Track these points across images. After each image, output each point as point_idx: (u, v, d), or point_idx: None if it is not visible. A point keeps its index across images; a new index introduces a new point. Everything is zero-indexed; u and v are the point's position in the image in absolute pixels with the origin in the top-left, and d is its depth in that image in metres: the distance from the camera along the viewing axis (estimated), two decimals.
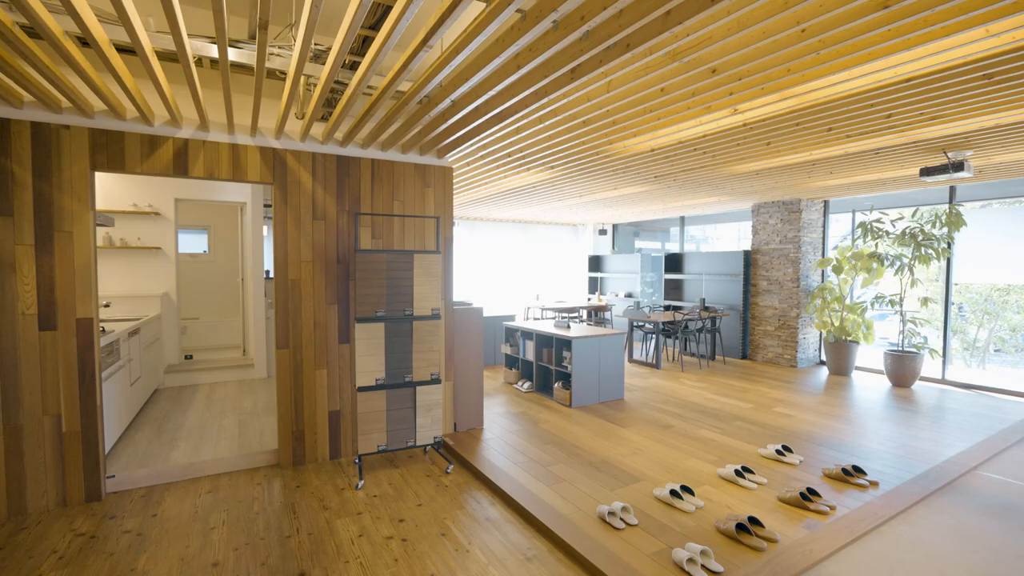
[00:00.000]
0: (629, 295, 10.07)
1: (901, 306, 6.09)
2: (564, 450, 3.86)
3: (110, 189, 5.58)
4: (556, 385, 5.26)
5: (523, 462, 3.61)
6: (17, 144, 2.91)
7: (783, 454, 3.63)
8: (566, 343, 5.26)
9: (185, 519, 2.91)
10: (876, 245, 6.26)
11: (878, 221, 6.24)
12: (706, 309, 7.58)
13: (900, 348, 6.10)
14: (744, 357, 7.69)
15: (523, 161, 4.76)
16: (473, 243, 10.06)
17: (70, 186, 3.02)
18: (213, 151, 3.35)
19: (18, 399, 2.95)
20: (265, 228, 6.61)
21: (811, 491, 2.97)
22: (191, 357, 6.32)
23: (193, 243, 7.67)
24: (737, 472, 3.29)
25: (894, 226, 6.17)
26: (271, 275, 7.83)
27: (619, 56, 2.23)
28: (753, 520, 2.64)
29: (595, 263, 11.01)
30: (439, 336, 3.65)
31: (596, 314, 9.52)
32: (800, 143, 3.96)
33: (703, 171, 5.14)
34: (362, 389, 3.44)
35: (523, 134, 3.81)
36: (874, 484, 3.18)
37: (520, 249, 10.69)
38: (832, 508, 2.86)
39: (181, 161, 3.27)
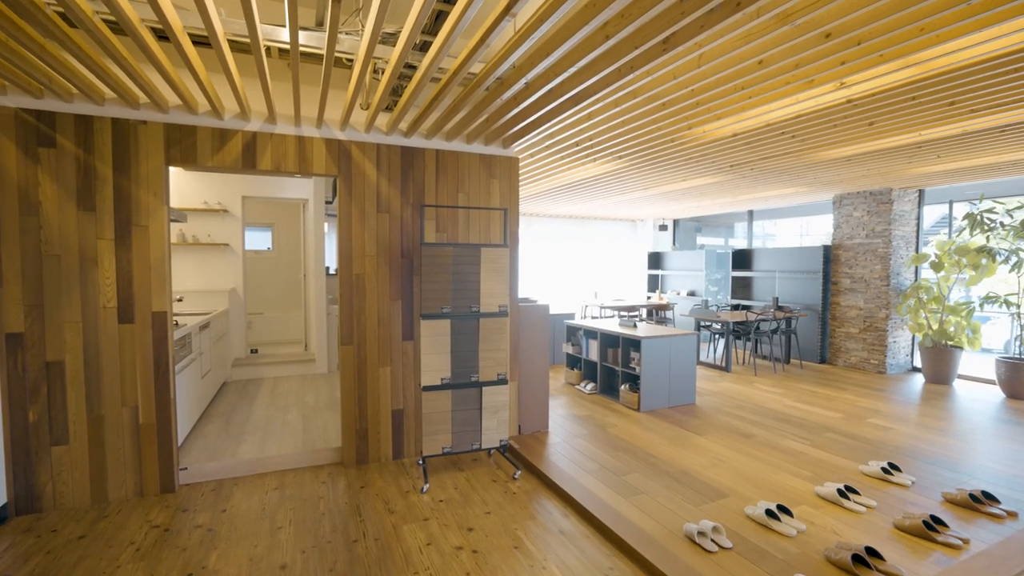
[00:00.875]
0: (692, 293, 9.59)
1: (1020, 307, 5.40)
2: (637, 458, 3.59)
3: (183, 187, 5.76)
4: (623, 388, 4.98)
5: (595, 470, 3.37)
6: (99, 140, 2.95)
7: (890, 473, 3.22)
8: (634, 343, 4.97)
9: (253, 516, 2.87)
10: (988, 238, 5.58)
11: (990, 211, 5.56)
12: (780, 308, 7.05)
13: (1019, 355, 5.41)
14: (823, 361, 7.11)
15: (590, 151, 4.51)
16: (529, 239, 9.87)
17: (147, 181, 3.04)
18: (280, 144, 3.30)
19: (100, 390, 3.00)
20: (326, 225, 6.69)
21: (935, 519, 2.58)
22: (256, 351, 6.46)
23: (258, 240, 7.88)
24: (840, 492, 2.93)
25: (1011, 216, 5.47)
26: (331, 271, 7.93)
27: (723, 19, 1.95)
28: (871, 551, 2.30)
29: (655, 260, 10.58)
30: (506, 335, 3.48)
31: (656, 313, 9.12)
32: (911, 121, 3.51)
33: (786, 158, 4.71)
34: (427, 388, 3.31)
35: (594, 120, 3.57)
36: (1012, 515, 2.74)
37: (576, 245, 10.40)
38: (965, 542, 2.47)
39: (249, 154, 3.24)
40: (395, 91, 3.34)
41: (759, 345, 7.56)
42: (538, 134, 3.96)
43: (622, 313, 8.89)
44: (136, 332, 3.05)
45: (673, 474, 3.33)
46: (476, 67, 2.95)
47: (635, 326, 5.35)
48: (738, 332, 6.76)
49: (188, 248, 5.80)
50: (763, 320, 6.54)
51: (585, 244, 10.51)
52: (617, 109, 3.33)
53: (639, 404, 4.77)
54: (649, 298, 10.48)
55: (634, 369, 4.92)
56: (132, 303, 3.04)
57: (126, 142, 3.00)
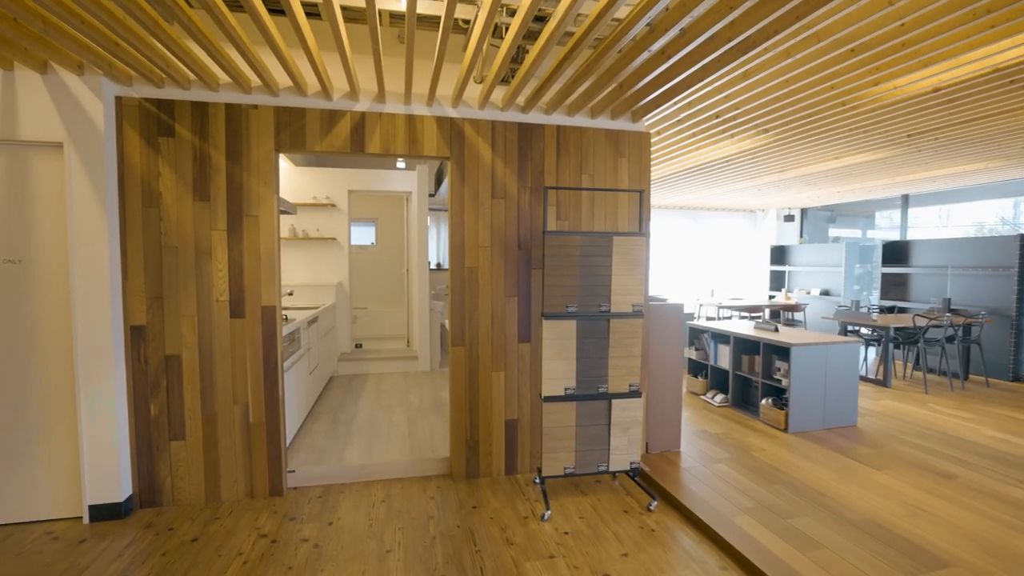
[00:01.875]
0: (826, 292, 8.36)
1: None
2: (802, 495, 2.90)
3: (293, 181, 5.83)
4: (764, 402, 4.23)
5: (751, 508, 2.75)
6: (213, 127, 2.83)
7: None
8: (779, 351, 4.20)
9: (360, 534, 2.60)
10: None
11: None
12: (954, 312, 5.81)
13: None
14: (1016, 379, 5.75)
15: (731, 125, 3.82)
16: None
17: (257, 168, 2.89)
18: (389, 124, 3.02)
19: (213, 387, 2.90)
20: (429, 219, 6.55)
21: None
22: (361, 346, 6.45)
23: (362, 235, 7.95)
24: None
25: None
26: (433, 266, 7.81)
27: None
28: None
29: (779, 254, 9.41)
30: (639, 339, 2.94)
31: (784, 315, 8.04)
32: None
33: (1001, 119, 3.70)
34: (548, 399, 2.87)
35: (749, 81, 2.93)
36: None
37: (688, 239, 9.52)
38: None
39: (358, 136, 2.99)
40: (515, 58, 2.93)
41: (925, 356, 6.32)
42: (674, 104, 3.38)
43: (743, 314, 7.94)
44: (246, 327, 2.92)
45: (859, 524, 2.61)
46: (621, 11, 2.45)
47: (776, 329, 4.56)
48: (898, 340, 5.65)
49: (298, 243, 5.87)
50: (935, 325, 5.39)
51: (697, 238, 9.59)
52: (787, 62, 2.67)
53: (786, 423, 4.01)
54: (772, 297, 9.34)
55: (779, 382, 4.15)
56: (243, 297, 2.90)
57: (238, 128, 2.85)
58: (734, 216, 9.83)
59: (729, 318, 8.65)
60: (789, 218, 9.33)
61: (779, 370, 4.18)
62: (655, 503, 2.88)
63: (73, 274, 2.64)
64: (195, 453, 2.91)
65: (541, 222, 3.23)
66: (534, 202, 3.22)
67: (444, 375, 5.77)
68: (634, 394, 2.96)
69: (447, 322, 4.17)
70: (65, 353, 2.69)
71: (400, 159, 5.95)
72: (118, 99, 2.73)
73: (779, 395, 4.27)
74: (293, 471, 3.13)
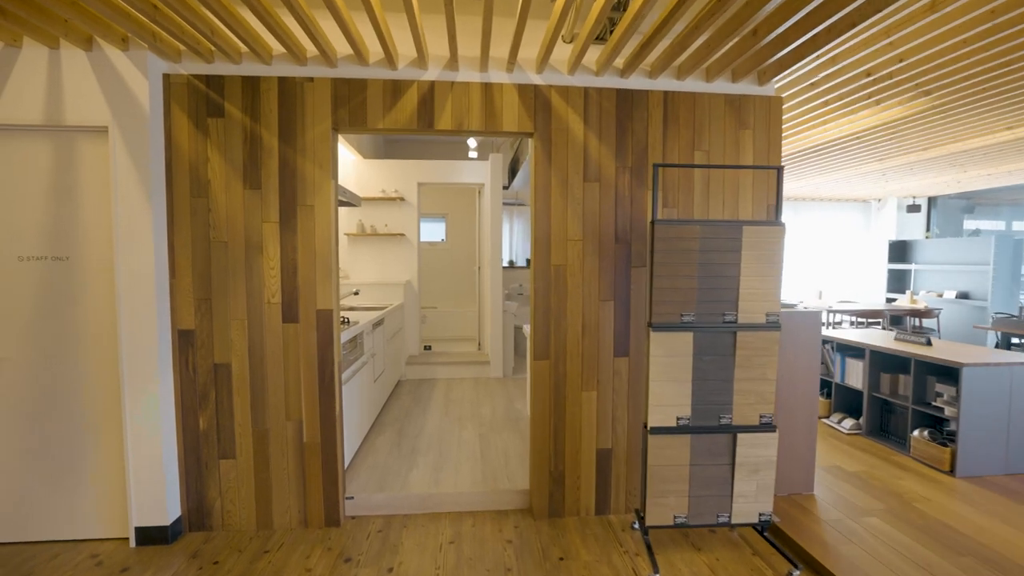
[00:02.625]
0: (964, 295, 7.07)
1: None
2: None
3: (362, 173, 5.56)
4: (916, 434, 3.38)
5: None
6: (265, 105, 2.48)
7: None
8: (940, 370, 3.34)
9: None
10: None
11: None
12: None
13: None
14: None
15: (887, 85, 3.03)
16: None
17: (312, 150, 2.51)
18: (462, 95, 2.54)
19: (264, 400, 2.56)
20: (502, 213, 6.07)
21: None
22: (430, 348, 6.10)
23: (432, 231, 7.64)
24: None
25: None
26: (507, 264, 7.35)
27: None
28: None
29: (899, 251, 8.14)
30: (774, 357, 2.28)
31: (908, 321, 6.86)
32: None
33: None
34: (656, 431, 2.28)
35: (922, 23, 2.17)
36: None
37: (789, 234, 8.45)
38: None
39: (426, 111, 2.53)
40: (615, 6, 2.35)
41: None
42: (816, 58, 2.66)
43: (859, 319, 6.85)
44: (300, 333, 2.55)
45: None
46: None
47: (928, 342, 3.66)
48: None
49: (366, 238, 5.60)
50: None
51: (800, 232, 8.50)
52: (984, 9, 1.91)
53: (953, 464, 3.15)
54: (893, 300, 8.09)
55: (940, 410, 3.29)
56: (296, 298, 2.54)
57: (292, 105, 2.49)
58: (843, 207, 8.63)
59: (840, 324, 7.55)
60: (913, 208, 8.03)
61: (940, 395, 3.31)
62: (798, 573, 2.21)
63: (118, 272, 2.37)
64: (245, 474, 2.58)
65: (644, 210, 2.64)
66: (635, 186, 2.63)
67: (518, 383, 5.28)
68: (767, 427, 2.30)
69: (527, 328, 3.67)
70: (113, 359, 2.44)
71: (473, 146, 5.53)
72: (165, 77, 2.44)
73: (939, 426, 3.40)
74: (351, 498, 2.75)
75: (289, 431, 2.58)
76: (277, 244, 2.52)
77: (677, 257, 2.23)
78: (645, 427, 2.32)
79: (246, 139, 2.48)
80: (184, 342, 2.53)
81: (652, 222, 2.23)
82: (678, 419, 2.28)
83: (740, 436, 2.29)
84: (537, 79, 2.57)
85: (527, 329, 3.66)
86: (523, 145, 5.15)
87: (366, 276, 5.62)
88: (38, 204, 2.38)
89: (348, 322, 3.31)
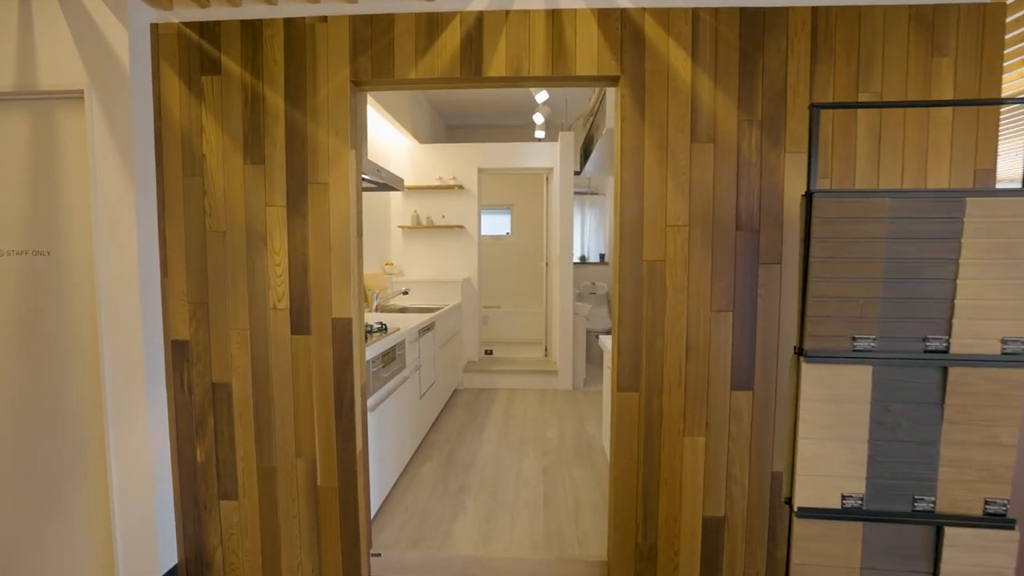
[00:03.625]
0: None
1: None
2: None
3: (416, 156, 5.05)
4: None
5: None
6: (269, 56, 1.94)
7: None
8: None
9: None
10: None
11: None
12: None
13: None
14: None
15: None
16: None
17: (326, 112, 1.93)
18: (519, 29, 1.87)
19: (270, 430, 2.04)
20: (573, 202, 5.29)
21: None
22: (491, 352, 5.51)
23: (495, 224, 7.05)
24: None
25: None
26: (578, 259, 6.63)
27: None
28: None
29: None
30: (1015, 410, 1.42)
31: None
32: None
33: None
34: (808, 513, 1.50)
35: None
36: None
37: None
38: None
39: (472, 53, 1.88)
40: None
41: None
42: None
43: None
44: (312, 348, 1.99)
45: None
46: None
47: None
48: None
49: (421, 232, 5.08)
50: None
51: None
52: None
53: None
54: None
55: None
56: (307, 303, 1.98)
57: (301, 54, 1.92)
58: None
59: None
60: None
61: None
62: None
63: (99, 271, 1.92)
64: (250, 519, 2.08)
65: (780, 181, 1.83)
66: (767, 147, 1.83)
67: (590, 398, 4.55)
68: (999, 521, 1.44)
69: (604, 340, 2.95)
70: (97, 374, 2.01)
71: (539, 123, 4.84)
72: (153, 28, 1.96)
73: None
74: (378, 555, 2.17)
75: (300, 471, 2.04)
76: (284, 234, 1.97)
77: (848, 249, 1.42)
78: (789, 505, 1.54)
79: (247, 101, 1.95)
80: (178, 355, 2.05)
81: (808, 194, 1.44)
82: (844, 498, 1.48)
83: (950, 532, 1.45)
84: (625, 0, 1.83)
85: (605, 341, 2.93)
86: (599, 120, 4.39)
87: (420, 272, 5.11)
88: (15, 188, 1.98)
89: (384, 329, 2.74)
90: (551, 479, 2.87)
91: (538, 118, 4.74)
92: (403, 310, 4.28)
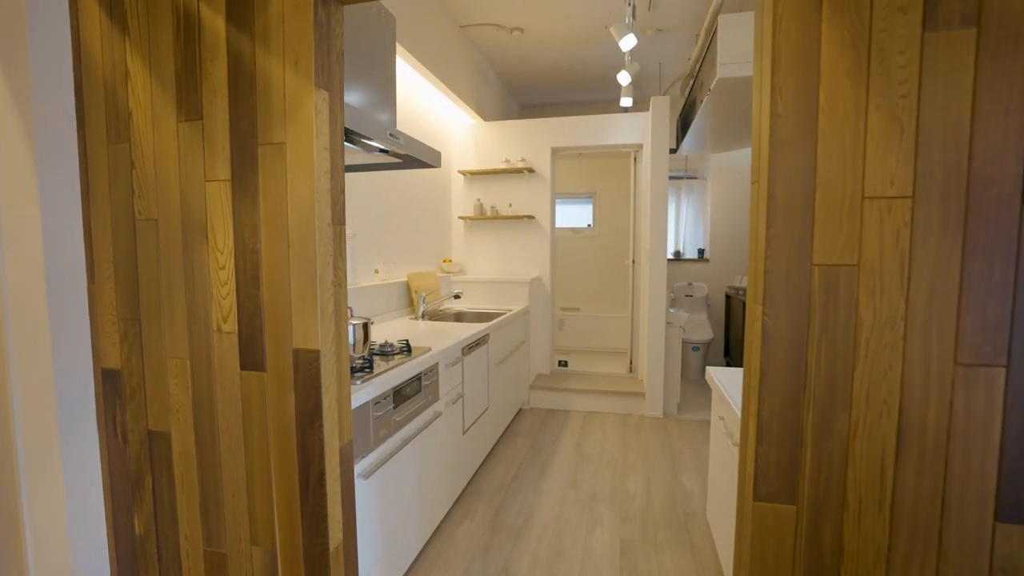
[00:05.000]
0: None
1: None
2: None
3: (479, 138, 4.36)
4: None
5: None
6: None
7: None
8: None
9: None
10: None
11: None
12: None
13: None
14: None
15: None
16: None
17: (279, 33, 1.26)
18: None
19: (218, 502, 1.43)
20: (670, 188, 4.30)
21: None
22: (565, 364, 4.71)
23: (574, 215, 6.22)
24: None
25: None
26: (672, 255, 5.66)
27: None
28: None
29: None
30: None
31: None
32: None
33: None
34: None
35: None
36: None
37: None
38: None
39: None
40: None
41: None
42: None
43: None
44: (268, 391, 1.35)
45: None
46: None
47: None
48: None
49: (484, 223, 4.40)
50: None
51: None
52: None
53: None
54: None
55: None
56: (259, 325, 1.34)
57: None
58: None
59: None
60: None
61: None
62: None
63: (2, 276, 1.41)
64: None
65: None
66: None
67: (685, 431, 3.62)
68: None
69: (719, 380, 2.06)
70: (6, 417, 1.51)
71: (625, 82, 3.94)
72: None
73: None
74: None
75: (257, 564, 1.41)
76: (228, 221, 1.34)
77: None
78: None
79: (178, 27, 1.34)
80: (110, 389, 1.50)
81: None
82: None
83: None
84: None
85: (717, 378, 2.03)
86: (704, 75, 3.43)
87: (483, 271, 4.43)
88: None
89: (407, 350, 2.06)
90: (631, 565, 2.05)
91: (623, 78, 3.85)
92: (458, 317, 3.63)
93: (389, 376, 1.77)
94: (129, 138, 1.40)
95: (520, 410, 4.08)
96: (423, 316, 3.24)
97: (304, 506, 1.34)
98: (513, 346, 3.63)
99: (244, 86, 1.29)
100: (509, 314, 3.50)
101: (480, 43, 4.17)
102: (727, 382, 1.85)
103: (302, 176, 1.26)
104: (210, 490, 1.43)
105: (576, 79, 5.01)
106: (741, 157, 5.44)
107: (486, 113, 4.44)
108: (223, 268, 1.35)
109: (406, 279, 3.33)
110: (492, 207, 4.34)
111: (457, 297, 3.45)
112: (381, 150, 2.02)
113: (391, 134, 1.79)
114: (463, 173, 4.31)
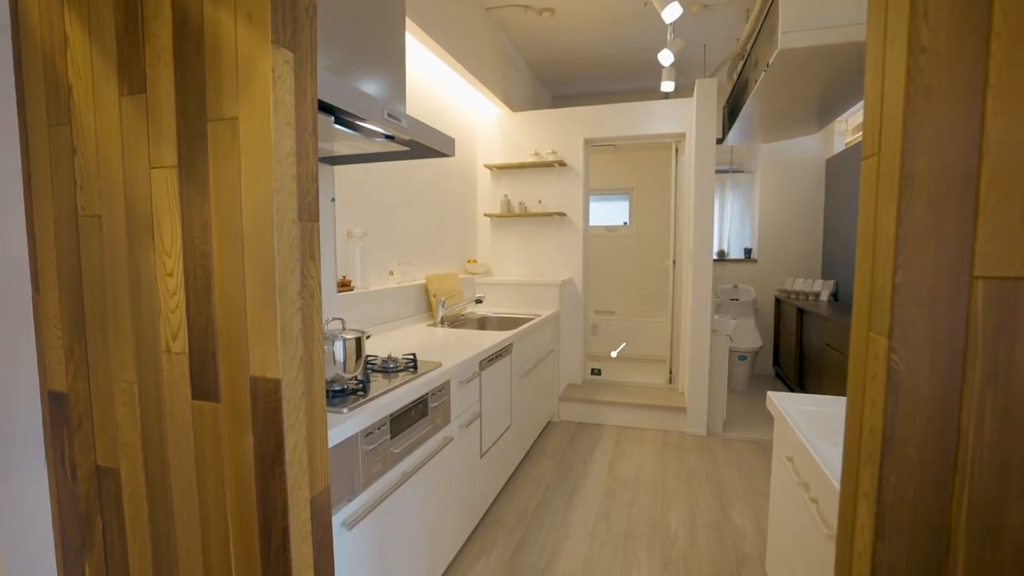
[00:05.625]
0: None
1: None
2: None
3: (508, 130, 4.07)
4: None
5: None
6: None
7: None
8: None
9: None
10: None
11: None
12: None
13: None
14: None
15: None
16: None
17: None
18: None
19: (173, 559, 1.19)
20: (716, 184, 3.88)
21: None
22: (599, 373, 4.38)
23: (610, 213, 5.86)
24: None
25: None
26: (715, 255, 5.24)
27: None
28: None
29: None
30: None
31: None
32: None
33: None
34: None
35: None
36: None
37: None
38: None
39: None
40: None
41: None
42: None
43: None
44: (222, 427, 1.09)
45: None
46: None
47: None
48: None
49: (511, 221, 4.11)
50: None
51: None
52: None
53: None
54: None
55: None
56: (211, 346, 1.08)
57: None
58: None
59: None
60: None
61: None
62: None
63: None
64: None
65: None
66: None
67: (733, 452, 3.24)
68: None
69: (780, 405, 1.71)
70: None
71: (667, 63, 3.56)
72: None
73: None
74: None
75: None
76: (176, 218, 1.09)
77: None
78: None
79: None
80: (57, 415, 1.28)
81: None
82: None
83: None
84: None
85: (780, 403, 1.67)
86: (760, 51, 3.04)
87: (511, 272, 4.14)
88: None
89: (413, 367, 1.79)
90: None
91: (665, 57, 3.47)
92: (482, 323, 3.36)
93: (387, 400, 1.50)
94: (70, 119, 1.17)
95: (548, 422, 3.77)
96: (442, 322, 2.97)
97: (266, 571, 1.08)
98: (540, 355, 3.32)
99: (191, 48, 1.04)
100: (537, 320, 3.19)
101: (508, 27, 3.87)
102: (801, 417, 1.50)
103: (257, 159, 0.99)
104: (162, 542, 1.18)
105: (612, 66, 4.65)
106: (793, 148, 4.96)
107: (514, 104, 4.15)
108: (171, 275, 1.10)
109: (424, 282, 3.08)
110: (520, 203, 4.04)
111: (479, 302, 3.17)
112: (386, 136, 1.75)
113: (390, 114, 1.52)
114: (489, 167, 4.03)
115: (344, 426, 1.30)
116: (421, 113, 3.02)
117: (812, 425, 1.47)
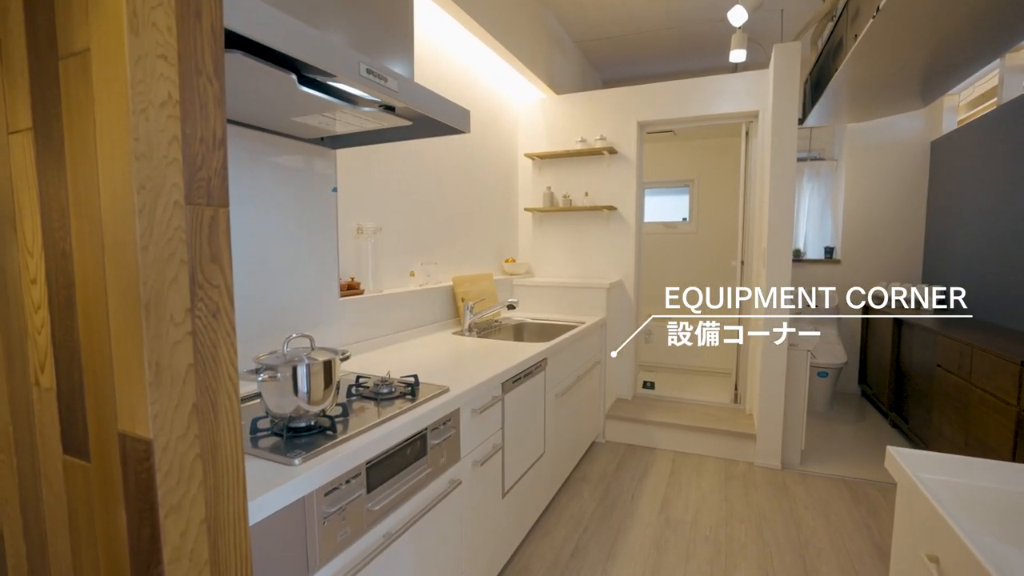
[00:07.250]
0: None
1: None
2: None
3: (551, 114, 3.66)
4: None
5: None
6: None
7: None
8: None
9: None
10: None
11: None
12: None
13: None
14: None
15: None
16: None
17: None
18: None
19: None
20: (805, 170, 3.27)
21: None
22: (652, 386, 3.89)
23: (667, 207, 5.32)
24: None
25: None
26: (790, 255, 4.61)
27: None
28: None
29: None
30: None
31: None
32: None
33: None
34: None
35: None
36: None
37: None
38: None
39: None
40: None
41: None
42: None
43: None
44: (94, 492, 0.77)
45: None
46: None
47: None
48: None
49: (555, 217, 3.69)
50: None
51: None
52: None
53: None
54: None
55: None
56: (78, 383, 0.76)
57: None
58: None
59: None
60: None
61: None
62: None
63: None
64: None
65: None
66: None
67: (813, 489, 2.69)
68: None
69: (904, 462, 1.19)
70: None
71: (739, 23, 3.03)
72: None
73: None
74: None
75: None
76: (35, 201, 0.78)
77: None
78: None
79: None
80: None
81: None
82: None
83: None
84: None
85: (922, 481, 1.18)
86: (853, 11, 2.47)
87: (553, 272, 3.73)
88: None
89: (412, 393, 1.44)
90: None
91: (737, 15, 2.92)
92: (518, 331, 2.99)
93: (362, 442, 1.15)
94: None
95: (593, 443, 3.34)
96: (470, 330, 2.63)
97: None
98: (583, 369, 2.90)
99: None
100: (580, 328, 2.78)
101: (551, 1, 3.46)
102: (947, 494, 1.02)
103: (114, 111, 0.66)
104: None
105: (670, 42, 4.13)
106: (889, 128, 4.24)
107: (559, 87, 3.73)
108: (35, 282, 0.80)
109: (451, 284, 2.74)
110: (565, 196, 3.63)
111: (511, 308, 2.79)
112: (383, 107, 1.41)
113: (369, 70, 1.16)
114: (530, 156, 3.64)
115: (290, 484, 0.97)
116: (455, 98, 2.68)
117: (966, 506, 0.99)
